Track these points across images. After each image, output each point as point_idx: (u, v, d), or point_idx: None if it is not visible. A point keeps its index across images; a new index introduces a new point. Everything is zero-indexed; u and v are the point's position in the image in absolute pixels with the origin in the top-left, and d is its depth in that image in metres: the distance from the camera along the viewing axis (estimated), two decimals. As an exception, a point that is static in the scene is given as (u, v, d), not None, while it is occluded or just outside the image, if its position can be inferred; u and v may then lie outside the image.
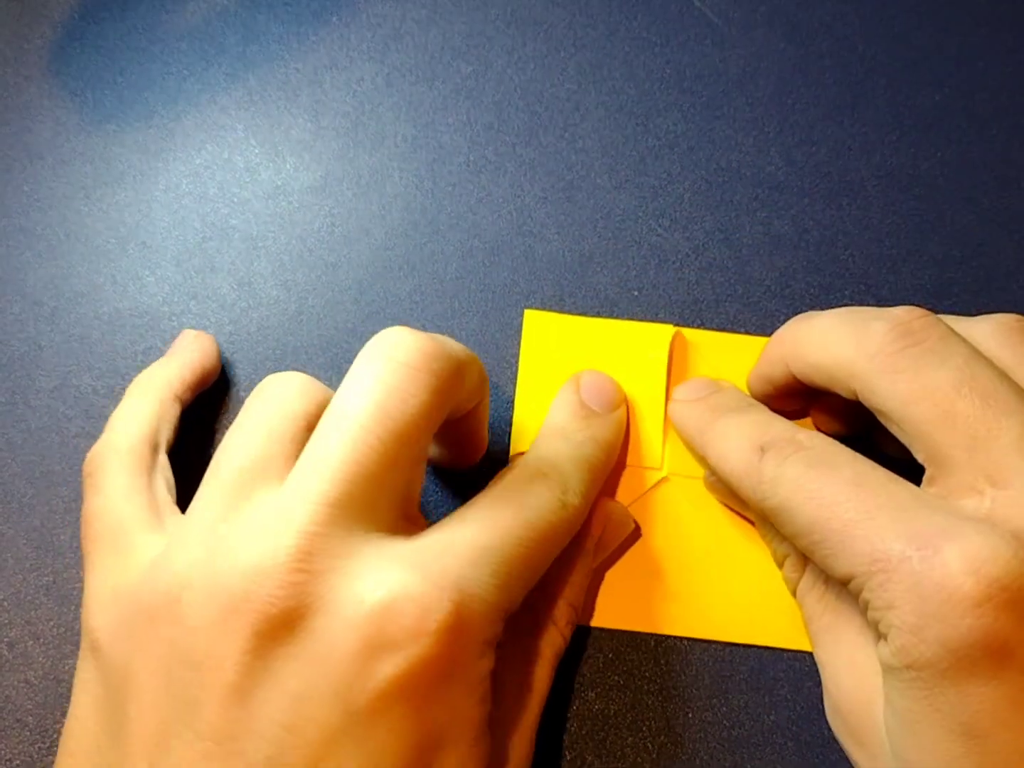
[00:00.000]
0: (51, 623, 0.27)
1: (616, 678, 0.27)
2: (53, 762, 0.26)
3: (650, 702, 0.26)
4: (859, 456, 0.23)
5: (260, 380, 0.29)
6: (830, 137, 0.32)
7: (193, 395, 0.28)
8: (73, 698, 0.22)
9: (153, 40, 0.34)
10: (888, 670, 0.21)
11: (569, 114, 0.33)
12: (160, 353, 0.30)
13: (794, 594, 0.26)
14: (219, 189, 0.32)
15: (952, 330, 0.23)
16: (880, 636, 0.21)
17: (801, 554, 0.25)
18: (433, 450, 0.27)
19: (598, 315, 0.30)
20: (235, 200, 0.32)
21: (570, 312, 0.30)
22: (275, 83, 0.33)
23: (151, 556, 0.22)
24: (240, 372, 0.30)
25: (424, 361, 0.22)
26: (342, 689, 0.19)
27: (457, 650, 0.20)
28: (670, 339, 0.29)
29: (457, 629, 0.20)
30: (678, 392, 0.28)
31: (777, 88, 0.33)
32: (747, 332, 0.30)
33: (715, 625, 0.27)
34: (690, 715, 0.26)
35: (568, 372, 0.29)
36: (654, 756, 0.26)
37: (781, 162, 0.32)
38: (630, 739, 0.26)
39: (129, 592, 0.22)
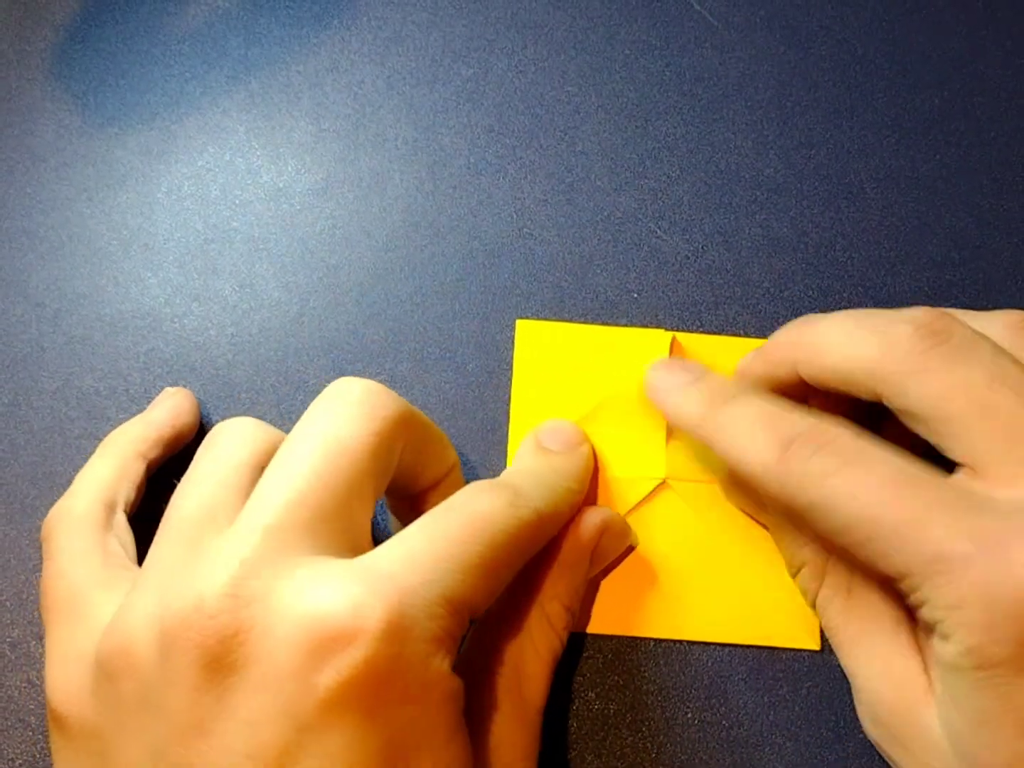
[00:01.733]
0: (53, 623, 0.28)
1: (616, 678, 0.27)
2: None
3: (650, 702, 0.27)
4: (889, 445, 0.22)
5: (262, 382, 0.30)
6: (829, 140, 0.32)
7: (164, 453, 0.28)
8: None
9: (155, 43, 0.34)
10: (953, 670, 0.21)
11: (569, 117, 0.33)
12: (161, 355, 0.30)
13: (812, 605, 0.26)
14: (221, 191, 0.32)
15: (971, 328, 0.23)
16: (939, 636, 0.21)
17: (820, 563, 0.25)
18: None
19: (598, 317, 0.30)
20: (237, 202, 0.32)
21: (570, 314, 0.30)
22: (277, 86, 0.33)
23: (106, 618, 0.22)
24: (242, 374, 0.30)
25: (366, 397, 0.23)
26: (289, 707, 0.19)
27: (398, 649, 0.19)
28: (669, 345, 0.29)
29: (395, 628, 0.19)
30: (657, 378, 0.27)
31: (776, 91, 0.33)
32: (746, 334, 0.30)
33: (714, 627, 0.27)
34: (689, 715, 0.26)
35: (564, 380, 0.29)
36: (654, 756, 0.26)
37: (780, 165, 0.32)
38: (630, 739, 0.26)
39: (85, 658, 0.22)
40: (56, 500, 0.28)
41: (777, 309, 0.30)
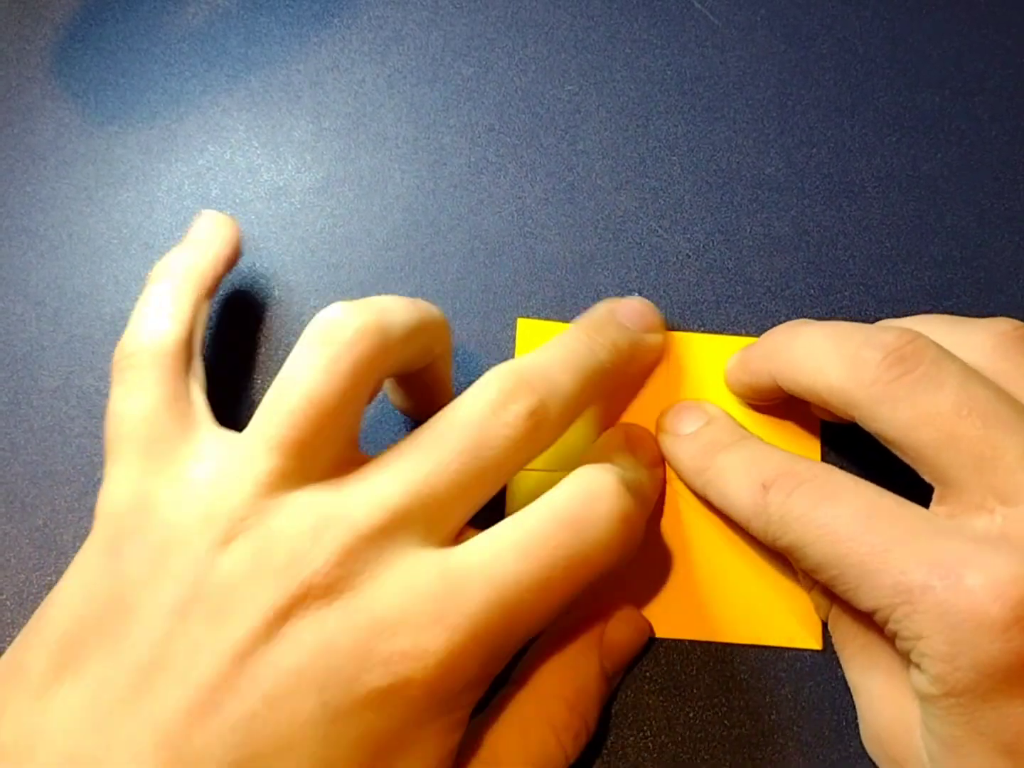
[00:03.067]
0: (53, 623, 0.27)
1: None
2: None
3: (651, 701, 0.27)
4: (862, 482, 0.23)
5: (263, 382, 0.30)
6: (830, 139, 0.32)
7: (217, 289, 0.27)
8: (78, 581, 0.22)
9: (155, 42, 0.34)
10: (925, 698, 0.21)
11: (570, 116, 0.33)
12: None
13: (825, 621, 0.26)
14: (221, 190, 0.32)
15: (944, 351, 0.23)
16: (913, 665, 0.21)
17: None
18: (401, 400, 0.28)
19: (599, 316, 0.30)
20: (237, 201, 0.32)
21: (571, 313, 0.30)
22: (277, 85, 0.33)
23: (191, 469, 0.22)
24: (242, 374, 0.30)
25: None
26: (328, 685, 0.20)
27: (442, 683, 0.20)
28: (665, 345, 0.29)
29: (448, 666, 0.20)
30: (667, 423, 0.28)
31: (777, 90, 0.33)
32: (747, 333, 0.30)
33: (715, 627, 0.27)
34: (691, 715, 0.26)
35: None
36: (655, 755, 0.26)
37: (781, 163, 0.32)
38: (631, 738, 0.26)
39: (166, 504, 0.22)
40: (55, 500, 0.28)
41: (778, 308, 0.30)
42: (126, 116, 0.33)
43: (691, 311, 0.30)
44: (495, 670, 0.22)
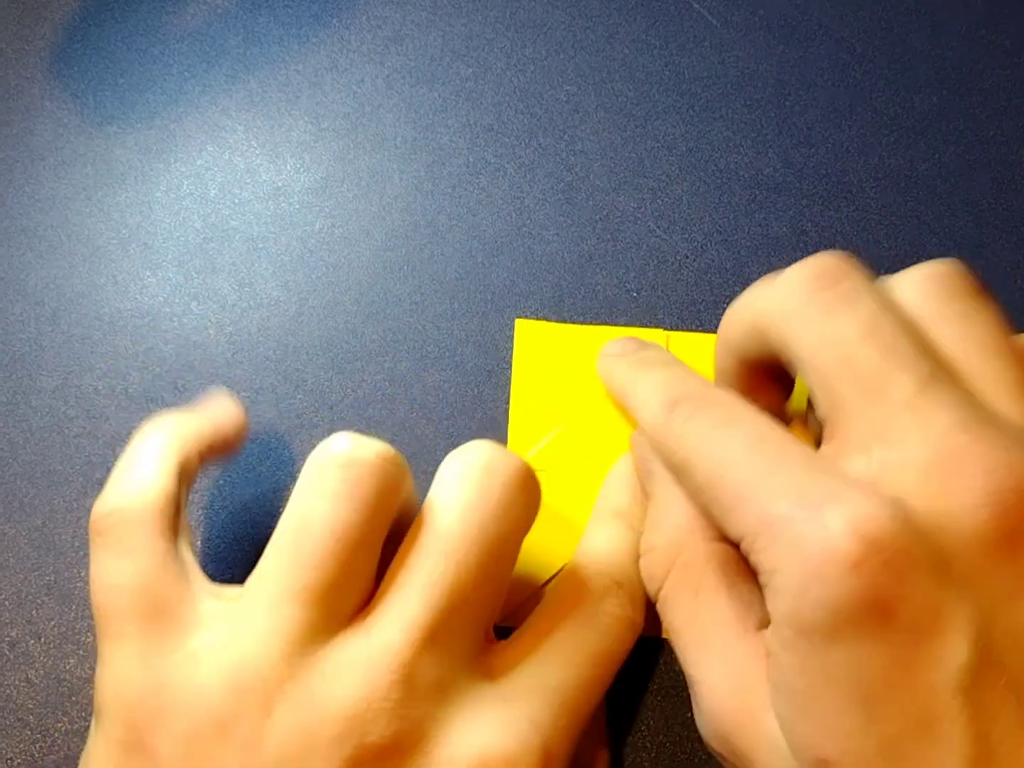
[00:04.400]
0: (52, 622, 0.27)
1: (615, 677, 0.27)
2: (54, 761, 0.26)
3: (649, 701, 0.27)
4: (764, 415, 0.22)
5: (261, 382, 0.30)
6: (828, 139, 0.32)
7: (208, 462, 0.25)
8: None
9: (154, 42, 0.34)
10: (777, 648, 0.20)
11: (568, 116, 0.33)
12: (160, 354, 0.30)
13: (655, 596, 0.24)
14: (220, 190, 0.32)
15: (868, 279, 0.22)
16: (769, 604, 0.20)
17: (672, 552, 0.24)
18: None
19: (597, 316, 0.30)
20: (236, 201, 0.32)
21: (569, 313, 0.30)
22: (276, 85, 0.33)
23: (203, 639, 0.21)
24: (241, 373, 0.30)
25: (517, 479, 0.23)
26: None
27: None
28: (664, 344, 0.29)
29: None
30: (606, 347, 0.28)
31: (775, 90, 0.33)
32: (745, 333, 0.30)
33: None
34: (689, 714, 0.26)
35: (563, 380, 0.29)
36: (653, 755, 0.26)
37: (779, 164, 0.32)
38: (629, 738, 0.26)
39: (185, 685, 0.20)
40: (54, 501, 0.28)
41: (776, 308, 0.30)
42: (125, 116, 0.33)
43: (689, 311, 0.30)
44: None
